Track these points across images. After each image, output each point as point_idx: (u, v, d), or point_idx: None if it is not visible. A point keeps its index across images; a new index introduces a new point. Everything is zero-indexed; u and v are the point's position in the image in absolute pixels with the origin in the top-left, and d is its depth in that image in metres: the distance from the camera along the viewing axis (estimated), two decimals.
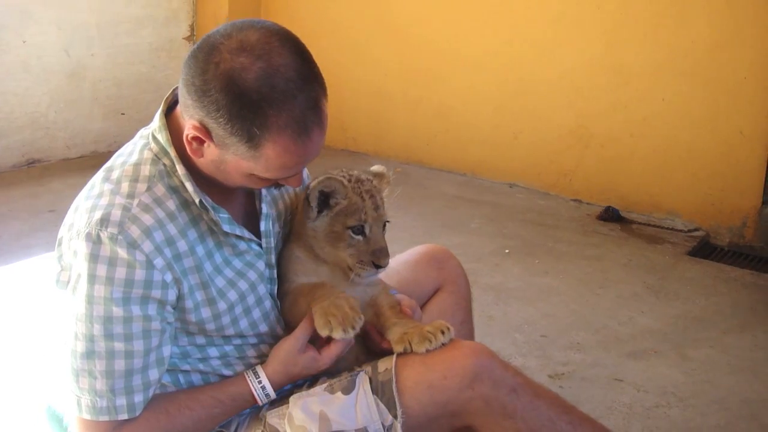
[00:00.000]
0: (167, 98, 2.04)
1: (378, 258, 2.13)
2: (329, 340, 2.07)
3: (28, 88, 6.38)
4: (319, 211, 2.17)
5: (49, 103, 6.55)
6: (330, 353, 2.08)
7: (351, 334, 2.01)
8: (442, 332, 2.07)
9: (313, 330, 2.06)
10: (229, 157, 1.86)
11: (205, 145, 1.87)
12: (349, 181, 2.19)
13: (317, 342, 2.11)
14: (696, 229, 5.34)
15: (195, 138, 1.86)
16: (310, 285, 2.18)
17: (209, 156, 1.89)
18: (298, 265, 2.23)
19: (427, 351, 2.05)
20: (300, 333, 2.07)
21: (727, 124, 5.16)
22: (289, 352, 2.07)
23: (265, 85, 1.75)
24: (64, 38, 6.53)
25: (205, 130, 1.83)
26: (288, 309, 2.21)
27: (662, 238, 5.27)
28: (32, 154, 6.53)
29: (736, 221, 5.23)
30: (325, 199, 2.17)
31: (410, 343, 2.07)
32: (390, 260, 2.17)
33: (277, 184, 2.03)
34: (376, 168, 2.34)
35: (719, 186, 5.26)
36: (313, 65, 1.86)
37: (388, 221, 2.22)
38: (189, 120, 1.85)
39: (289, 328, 2.17)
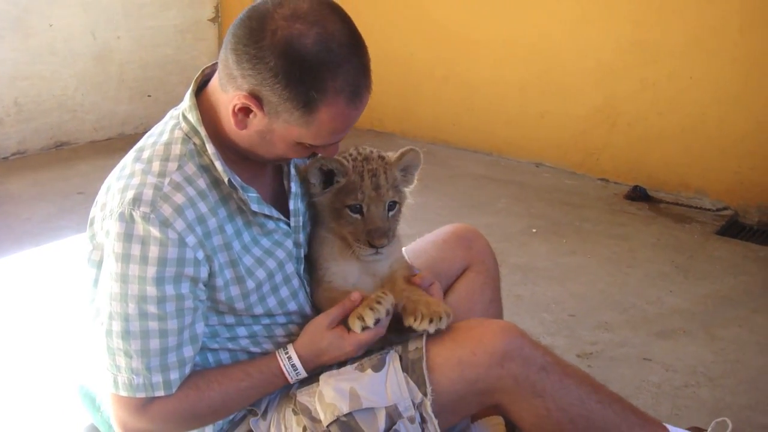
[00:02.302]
0: (197, 78, 2.06)
1: (373, 238, 2.14)
2: None
3: (55, 71, 6.44)
4: (325, 188, 2.20)
5: (76, 86, 6.60)
6: (357, 337, 2.07)
7: (371, 321, 2.03)
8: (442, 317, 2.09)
9: (347, 314, 2.08)
10: (279, 125, 1.87)
11: (252, 115, 1.88)
12: (354, 159, 2.20)
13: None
14: (724, 208, 5.29)
15: (242, 109, 1.87)
16: (343, 293, 2.18)
17: (255, 127, 1.90)
18: (327, 247, 2.25)
19: (436, 331, 2.08)
20: (333, 311, 2.09)
21: (756, 103, 5.09)
22: (318, 325, 2.09)
23: (323, 50, 1.78)
24: (90, 21, 6.56)
25: (255, 99, 1.84)
26: (321, 301, 2.23)
27: (690, 217, 5.23)
28: (60, 137, 6.59)
29: (765, 200, 5.16)
30: (329, 177, 2.19)
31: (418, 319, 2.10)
32: (388, 242, 2.17)
33: (314, 153, 2.06)
34: (403, 149, 2.29)
35: (748, 164, 5.20)
36: (359, 33, 1.89)
37: (395, 201, 2.22)
38: (236, 91, 1.86)
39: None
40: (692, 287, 4.20)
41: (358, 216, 2.17)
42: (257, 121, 1.89)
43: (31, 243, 4.66)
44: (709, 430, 2.34)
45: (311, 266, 2.27)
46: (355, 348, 2.07)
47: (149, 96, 7.06)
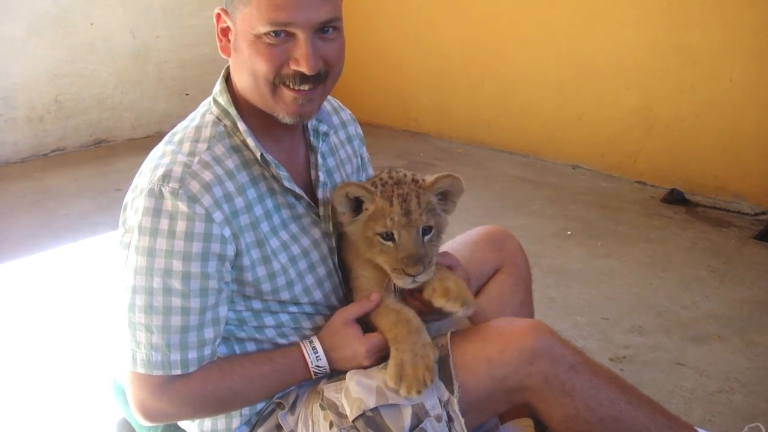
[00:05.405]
0: (227, 66, 2.13)
1: (407, 265, 2.03)
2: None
3: (95, 69, 6.52)
4: (354, 215, 2.14)
5: (115, 84, 6.68)
6: (373, 342, 2.07)
7: (416, 399, 1.97)
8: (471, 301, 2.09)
9: (365, 312, 2.10)
10: (237, 22, 1.95)
11: (230, 34, 1.99)
12: (383, 184, 2.12)
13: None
14: (763, 213, 5.23)
15: (223, 30, 2.01)
16: (387, 310, 2.13)
17: (231, 45, 2.01)
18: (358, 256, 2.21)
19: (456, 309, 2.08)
20: (352, 307, 2.12)
21: None
22: (336, 319, 2.12)
23: None
24: (130, 20, 6.64)
25: (225, 10, 1.98)
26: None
27: (728, 221, 5.17)
28: (99, 134, 6.67)
29: None
30: (357, 204, 2.13)
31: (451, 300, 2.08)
32: (423, 269, 2.05)
33: (301, 75, 1.98)
34: (440, 174, 2.18)
35: None
36: None
37: (430, 226, 2.10)
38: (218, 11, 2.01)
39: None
40: (728, 292, 4.15)
41: (390, 243, 2.07)
42: (232, 37, 2.00)
43: (68, 238, 4.73)
44: None
45: (346, 274, 2.26)
46: (368, 349, 2.07)
47: (187, 94, 7.12)
